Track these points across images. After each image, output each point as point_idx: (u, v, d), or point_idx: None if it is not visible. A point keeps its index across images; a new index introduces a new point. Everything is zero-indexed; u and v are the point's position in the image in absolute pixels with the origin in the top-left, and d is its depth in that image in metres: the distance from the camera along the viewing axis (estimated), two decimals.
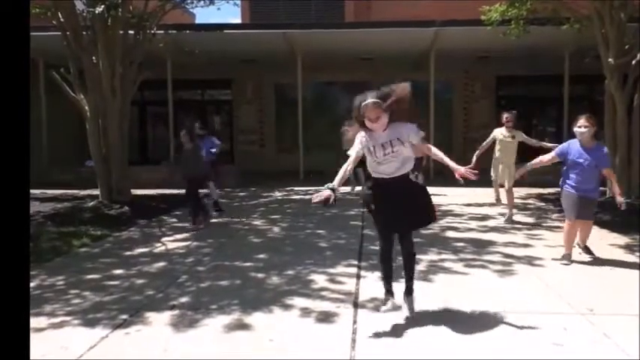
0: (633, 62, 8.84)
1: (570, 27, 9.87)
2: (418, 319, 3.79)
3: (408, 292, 3.86)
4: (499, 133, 7.64)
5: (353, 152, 3.66)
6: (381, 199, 3.69)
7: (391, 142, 3.59)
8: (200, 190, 7.81)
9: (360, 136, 3.66)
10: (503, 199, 7.85)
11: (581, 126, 5.13)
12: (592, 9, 8.80)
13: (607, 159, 5.26)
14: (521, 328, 3.63)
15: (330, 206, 3.51)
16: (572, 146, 5.27)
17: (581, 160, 5.17)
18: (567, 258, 5.37)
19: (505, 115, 7.61)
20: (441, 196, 10.17)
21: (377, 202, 3.72)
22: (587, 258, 5.47)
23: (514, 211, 7.88)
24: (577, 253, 5.52)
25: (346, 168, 3.60)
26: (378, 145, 3.61)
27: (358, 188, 10.27)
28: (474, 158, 7.19)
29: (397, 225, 3.74)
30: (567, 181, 5.32)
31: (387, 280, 3.90)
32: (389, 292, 3.87)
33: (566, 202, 5.38)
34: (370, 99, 3.51)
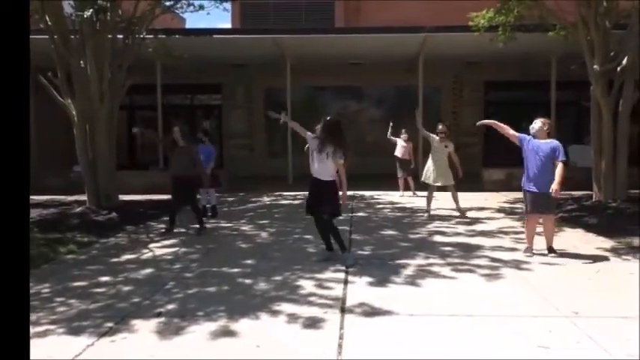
0: (618, 69, 8.96)
1: (557, 34, 9.98)
2: (405, 323, 3.81)
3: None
4: (435, 140, 8.52)
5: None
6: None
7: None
8: (193, 193, 7.58)
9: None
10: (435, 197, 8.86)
11: (536, 122, 5.71)
12: (578, 16, 8.91)
13: (561, 151, 5.56)
14: (508, 331, 3.66)
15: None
16: (530, 140, 5.73)
17: (535, 152, 5.59)
18: (529, 251, 5.81)
19: (439, 127, 8.57)
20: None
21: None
22: (573, 260, 5.53)
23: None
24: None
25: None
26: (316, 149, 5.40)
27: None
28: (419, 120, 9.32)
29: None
30: (526, 178, 5.72)
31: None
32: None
33: (525, 197, 5.80)
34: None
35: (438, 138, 8.49)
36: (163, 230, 7.44)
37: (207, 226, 7.66)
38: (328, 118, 5.56)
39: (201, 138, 8.68)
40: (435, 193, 8.63)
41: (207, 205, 8.82)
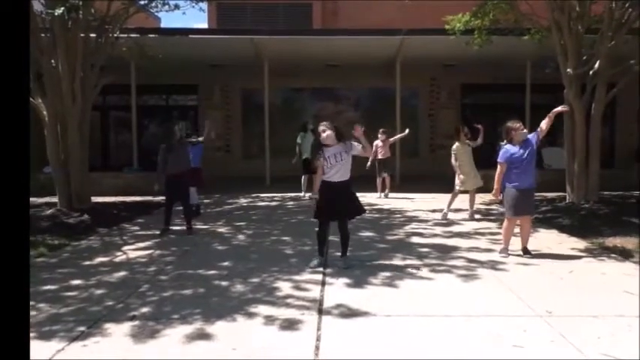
0: (591, 72, 9.14)
1: (531, 37, 10.15)
2: (382, 324, 3.80)
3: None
4: (459, 147, 8.42)
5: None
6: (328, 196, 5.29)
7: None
8: (187, 191, 7.54)
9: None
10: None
11: (521, 128, 5.83)
12: (551, 20, 9.07)
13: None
14: (483, 330, 3.68)
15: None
16: (511, 149, 5.80)
17: (523, 155, 5.69)
18: (504, 251, 5.89)
19: (465, 130, 8.54)
20: (410, 200, 10.30)
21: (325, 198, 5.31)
22: (547, 261, 5.61)
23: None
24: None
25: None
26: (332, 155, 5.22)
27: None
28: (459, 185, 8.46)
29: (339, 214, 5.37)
30: (510, 180, 5.77)
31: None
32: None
33: (508, 198, 5.81)
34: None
35: (459, 144, 8.39)
36: (159, 232, 7.31)
37: (178, 228, 7.57)
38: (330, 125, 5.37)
39: (195, 138, 8.92)
40: (414, 195, 8.68)
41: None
